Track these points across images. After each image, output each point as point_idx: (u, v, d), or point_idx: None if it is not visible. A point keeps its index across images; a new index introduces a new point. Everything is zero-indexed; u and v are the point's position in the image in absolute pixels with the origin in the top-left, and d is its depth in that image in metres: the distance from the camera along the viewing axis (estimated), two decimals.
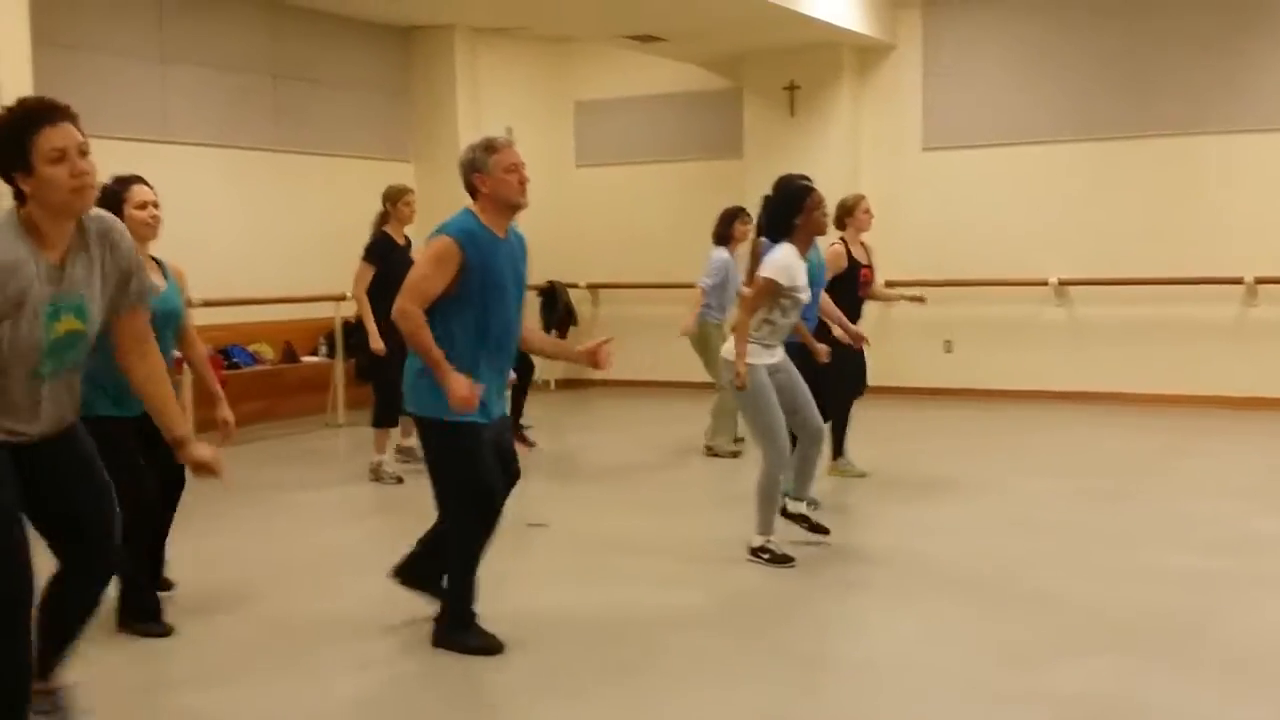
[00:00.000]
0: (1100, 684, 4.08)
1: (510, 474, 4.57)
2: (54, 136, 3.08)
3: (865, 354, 7.59)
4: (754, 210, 6.12)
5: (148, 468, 4.62)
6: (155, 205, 4.80)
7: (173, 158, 9.81)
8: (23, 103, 3.19)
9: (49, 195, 3.08)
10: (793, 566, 5.52)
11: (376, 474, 7.76)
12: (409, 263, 7.66)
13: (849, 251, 7.39)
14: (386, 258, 7.61)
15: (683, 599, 5.13)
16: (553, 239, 11.62)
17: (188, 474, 4.56)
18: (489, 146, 4.40)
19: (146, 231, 4.72)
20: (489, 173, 4.37)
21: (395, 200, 7.85)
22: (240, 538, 6.33)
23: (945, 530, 6.34)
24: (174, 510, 4.95)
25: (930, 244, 11.33)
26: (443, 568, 4.55)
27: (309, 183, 11.12)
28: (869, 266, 7.51)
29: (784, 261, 5.51)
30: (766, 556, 5.56)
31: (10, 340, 3.08)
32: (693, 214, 12.45)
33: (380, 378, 7.65)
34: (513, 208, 4.43)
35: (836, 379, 7.19)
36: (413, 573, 4.70)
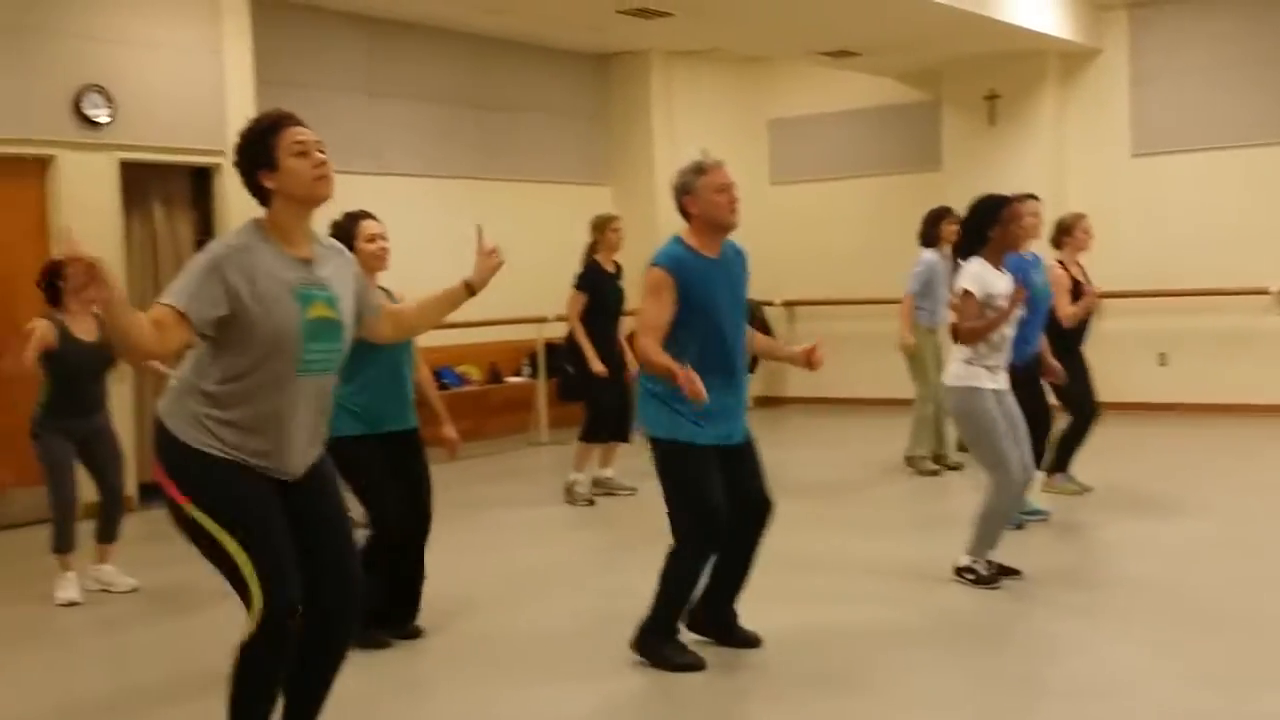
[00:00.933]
0: None
1: (760, 503, 4.52)
2: (296, 133, 3.32)
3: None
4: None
5: (396, 490, 4.79)
6: (384, 238, 5.04)
7: (383, 189, 10.24)
8: (264, 113, 3.44)
9: (293, 187, 3.28)
10: (998, 587, 5.39)
11: (570, 494, 7.90)
12: (618, 289, 7.89)
13: (1069, 273, 7.16)
14: (596, 285, 7.79)
15: (892, 618, 5.08)
16: (748, 257, 11.64)
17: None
18: (698, 169, 4.46)
19: (376, 264, 4.94)
20: (698, 195, 4.43)
21: (603, 228, 8.00)
22: (449, 554, 6.52)
23: (1160, 550, 6.10)
24: (423, 540, 5.00)
25: (1142, 253, 10.89)
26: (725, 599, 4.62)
27: (511, 208, 11.44)
28: (1088, 288, 7.26)
29: (975, 270, 5.38)
30: (971, 577, 5.44)
31: (266, 330, 3.19)
32: (890, 228, 12.32)
33: (591, 396, 7.83)
34: (723, 228, 4.47)
35: (1071, 398, 7.12)
36: (707, 622, 4.68)
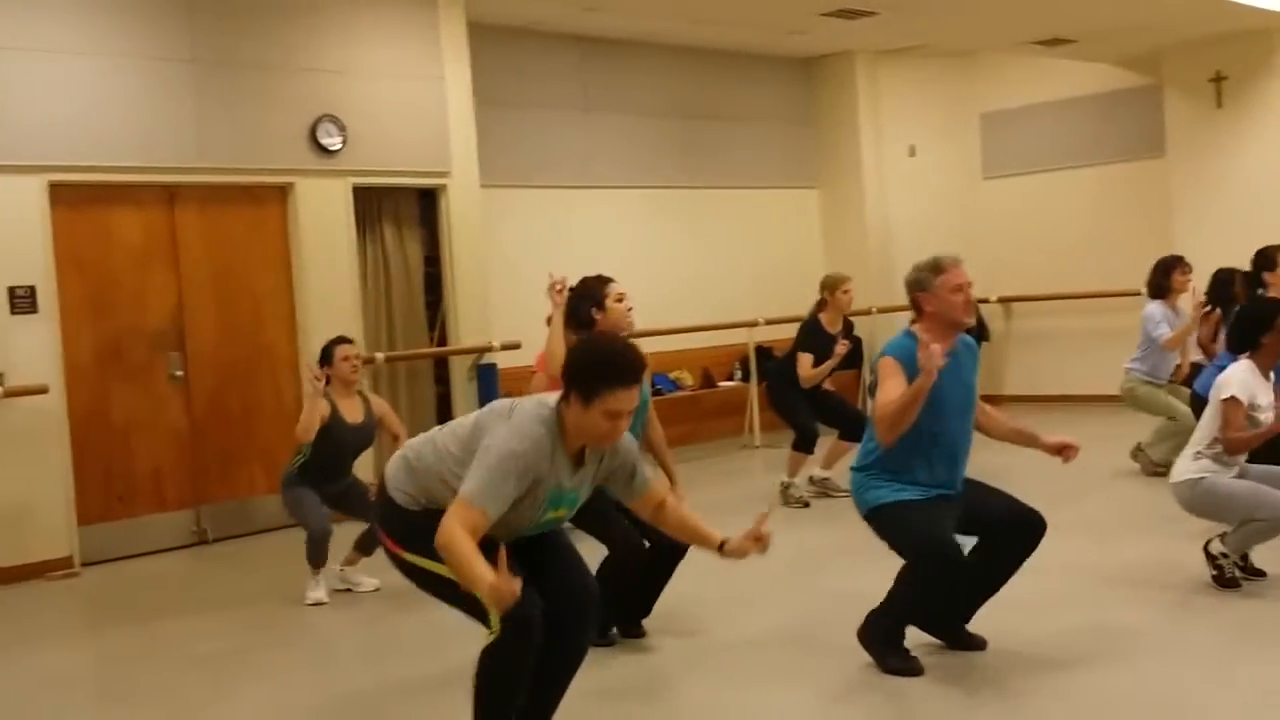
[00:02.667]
0: None
1: (1023, 518, 4.54)
2: (622, 399, 3.41)
3: None
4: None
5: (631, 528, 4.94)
6: (628, 297, 5.32)
7: (596, 201, 10.54)
8: (613, 355, 3.49)
9: (585, 428, 3.43)
10: (1238, 588, 5.19)
11: (785, 496, 7.97)
12: (832, 346, 7.87)
13: None
14: (820, 349, 7.83)
15: (1117, 624, 4.96)
16: (962, 253, 11.42)
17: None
18: (936, 267, 4.48)
19: (625, 322, 5.28)
20: (934, 292, 4.45)
21: (834, 289, 8.03)
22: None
23: None
24: (669, 569, 5.17)
25: None
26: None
27: (719, 215, 11.57)
28: None
29: (1241, 377, 5.19)
30: (1214, 572, 5.24)
31: (506, 516, 3.42)
32: (1112, 218, 11.93)
33: (793, 419, 7.93)
34: (957, 326, 4.48)
35: None
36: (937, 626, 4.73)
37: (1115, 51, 11.51)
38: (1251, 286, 7.67)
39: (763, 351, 10.94)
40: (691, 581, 5.89)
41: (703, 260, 11.24)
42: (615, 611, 5.04)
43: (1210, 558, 5.29)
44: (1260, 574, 5.35)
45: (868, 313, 11.56)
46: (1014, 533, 4.51)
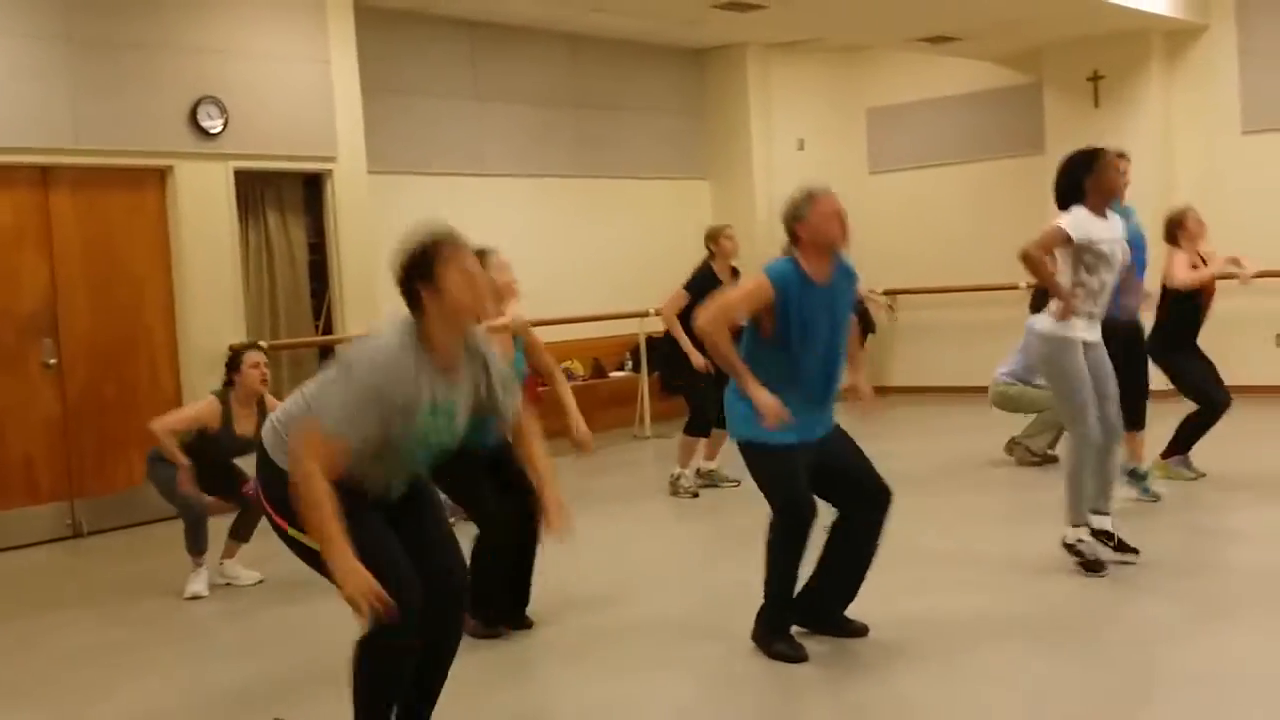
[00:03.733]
0: None
1: (871, 490, 4.62)
2: (464, 258, 3.40)
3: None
4: None
5: (505, 498, 4.96)
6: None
7: (487, 189, 10.46)
8: (435, 233, 3.45)
9: (448, 307, 3.37)
10: (1103, 575, 5.33)
11: (675, 487, 7.98)
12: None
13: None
14: (705, 291, 7.83)
15: (1003, 610, 5.07)
16: (848, 247, 11.63)
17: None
18: (809, 197, 4.55)
19: (509, 292, 5.29)
20: (808, 220, 4.51)
21: (716, 237, 8.06)
22: (558, 547, 6.66)
23: (1275, 536, 5.98)
24: (534, 544, 5.13)
25: (1255, 231, 10.58)
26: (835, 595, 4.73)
27: (611, 205, 11.58)
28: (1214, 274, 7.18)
29: (1076, 216, 5.27)
30: (1078, 560, 5.39)
31: (390, 437, 3.36)
32: (993, 214, 12.20)
33: (691, 391, 7.90)
34: (831, 246, 4.54)
35: (1192, 389, 7.10)
36: (814, 616, 4.77)
37: (997, 50, 11.77)
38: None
39: (653, 342, 10.97)
40: (579, 571, 5.90)
41: (594, 250, 11.23)
42: (498, 602, 5.01)
43: (1068, 548, 5.42)
44: (1133, 550, 5.52)
45: None
46: (863, 506, 4.61)
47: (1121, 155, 6.41)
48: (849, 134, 13.05)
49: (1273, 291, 10.60)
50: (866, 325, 12.55)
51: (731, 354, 4.49)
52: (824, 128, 12.81)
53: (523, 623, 5.13)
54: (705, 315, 4.55)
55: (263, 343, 6.70)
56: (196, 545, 6.06)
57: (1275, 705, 3.85)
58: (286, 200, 9.04)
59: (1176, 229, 7.17)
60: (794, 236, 4.56)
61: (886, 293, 12.79)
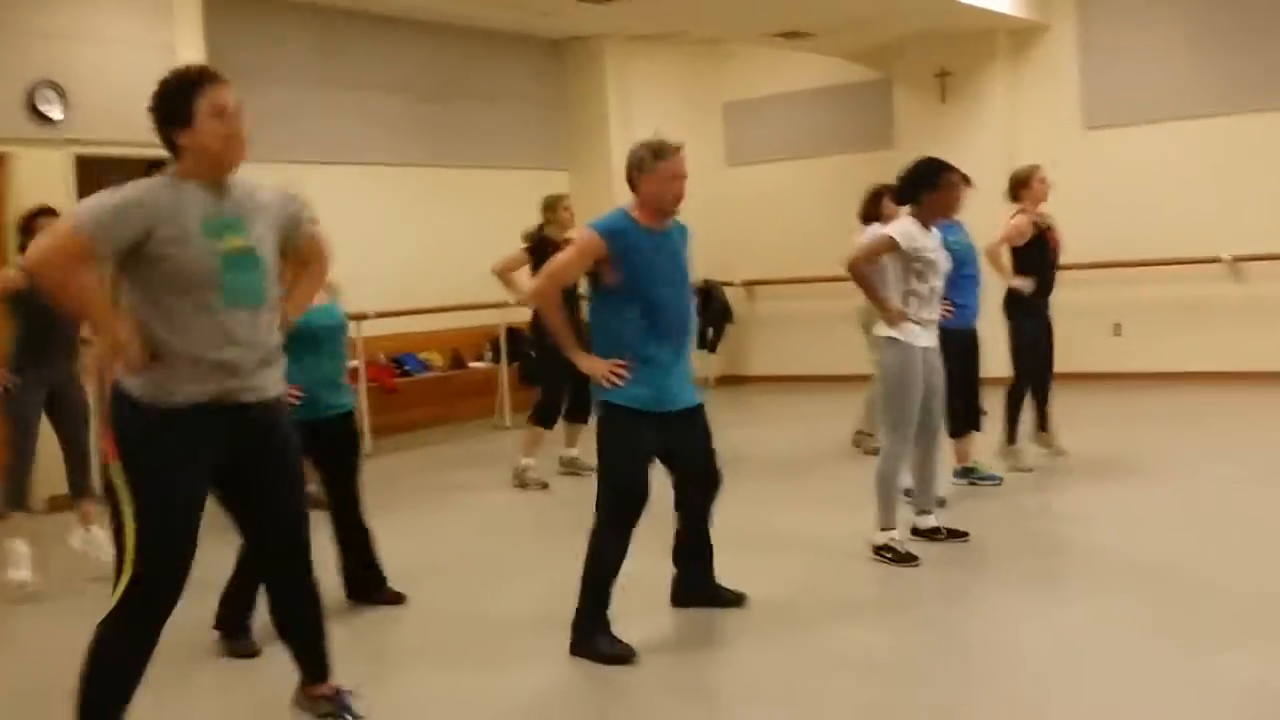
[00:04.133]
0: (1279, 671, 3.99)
1: (706, 475, 4.73)
2: (220, 93, 3.31)
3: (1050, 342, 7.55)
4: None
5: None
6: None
7: (341, 179, 10.26)
8: (189, 66, 3.44)
9: (206, 147, 3.27)
10: (916, 565, 5.42)
11: (520, 478, 7.89)
12: None
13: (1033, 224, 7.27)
14: (541, 253, 7.84)
15: (850, 594, 5.17)
16: (706, 238, 11.64)
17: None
18: (658, 151, 4.52)
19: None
20: (651, 176, 4.50)
21: (554, 207, 8.07)
22: (410, 538, 6.59)
23: (1117, 518, 6.23)
24: (356, 512, 5.19)
25: (1096, 225, 11.02)
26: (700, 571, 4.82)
27: (470, 195, 11.47)
28: (1053, 233, 7.39)
29: (903, 226, 5.47)
30: (890, 555, 5.45)
31: (179, 267, 3.19)
32: (846, 207, 12.37)
33: (544, 377, 7.89)
34: (665, 216, 4.57)
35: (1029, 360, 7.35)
36: (687, 593, 4.88)
37: (849, 46, 12.00)
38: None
39: (514, 333, 10.92)
40: (423, 566, 5.84)
41: (453, 241, 11.11)
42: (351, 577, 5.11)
43: (877, 551, 5.48)
44: (963, 534, 5.70)
45: None
46: (694, 488, 4.74)
47: (967, 181, 6.58)
48: (707, 127, 13.17)
49: (1112, 283, 11.06)
50: (726, 315, 12.72)
51: (560, 321, 4.52)
52: (682, 120, 12.85)
53: (392, 598, 5.19)
54: (536, 285, 4.59)
55: None
56: (17, 500, 5.75)
57: (1110, 678, 4.01)
58: None
59: (1020, 188, 7.33)
60: (633, 185, 4.55)
61: (744, 283, 12.99)
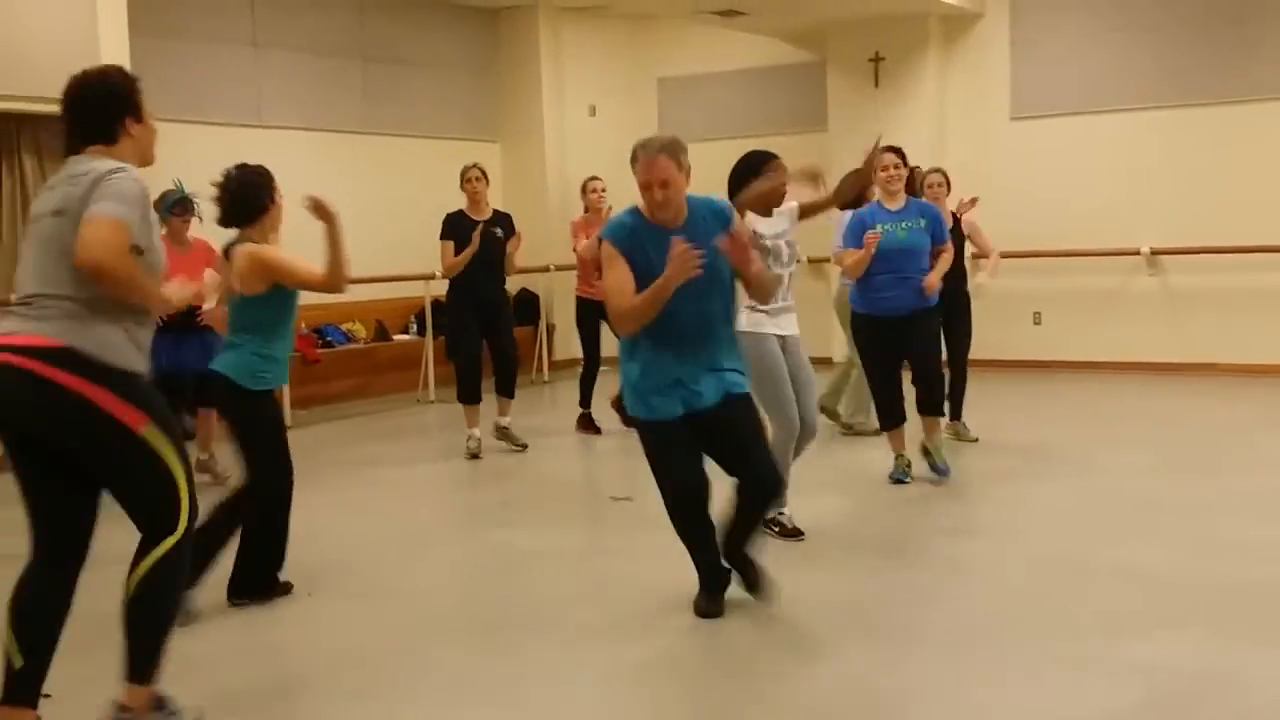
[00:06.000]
0: (1187, 655, 4.05)
1: (747, 479, 4.42)
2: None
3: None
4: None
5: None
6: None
7: (266, 142, 10.04)
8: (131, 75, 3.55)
9: (147, 145, 3.52)
10: (801, 539, 5.46)
11: (468, 449, 7.87)
12: (494, 238, 7.82)
13: None
14: (459, 234, 7.79)
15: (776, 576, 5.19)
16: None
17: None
18: (633, 155, 4.35)
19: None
20: (635, 174, 4.34)
21: (461, 179, 8.03)
22: (335, 512, 6.52)
23: (1031, 504, 6.31)
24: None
25: (1019, 214, 11.16)
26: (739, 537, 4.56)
27: (398, 164, 11.31)
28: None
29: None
30: (776, 529, 5.48)
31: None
32: None
33: (457, 355, 7.87)
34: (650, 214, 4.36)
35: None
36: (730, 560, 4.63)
37: (784, 27, 11.99)
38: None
39: (440, 306, 10.80)
40: (344, 541, 5.77)
41: (379, 210, 10.94)
42: (258, 570, 4.83)
43: (766, 524, 5.33)
44: (799, 533, 5.57)
45: (545, 270, 11.63)
46: (743, 490, 4.46)
47: (891, 149, 6.56)
48: (640, 102, 13.10)
49: (1032, 272, 11.20)
50: None
51: (646, 315, 4.21)
52: (616, 95, 12.82)
53: (285, 588, 4.94)
54: (611, 313, 4.33)
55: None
56: None
57: (1021, 660, 4.06)
58: (45, 145, 8.48)
59: (910, 188, 7.40)
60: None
61: None
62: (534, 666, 4.16)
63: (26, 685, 3.28)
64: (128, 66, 8.72)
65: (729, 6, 11.02)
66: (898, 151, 6.59)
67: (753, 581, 4.60)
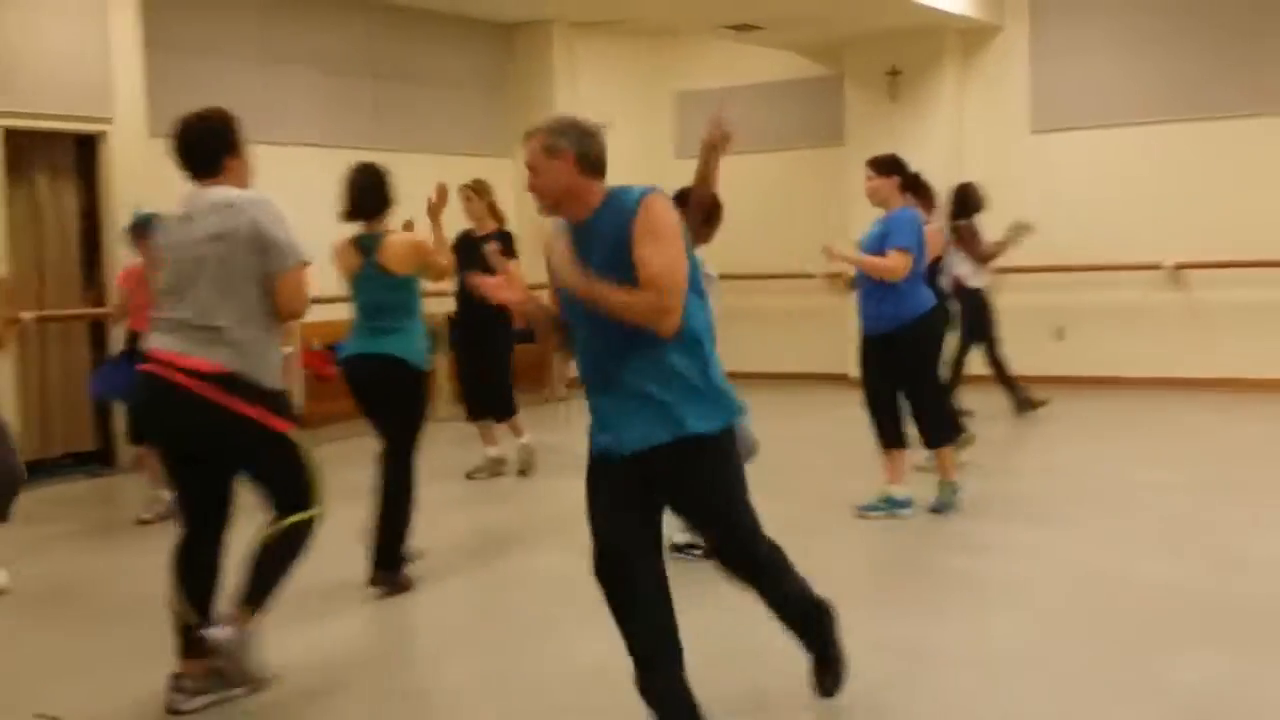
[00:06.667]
0: (1215, 675, 3.97)
1: (721, 553, 3.56)
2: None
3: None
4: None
5: None
6: None
7: (277, 159, 9.98)
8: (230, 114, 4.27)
9: (244, 177, 4.14)
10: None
11: (492, 469, 7.90)
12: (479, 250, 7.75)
13: None
14: (459, 251, 7.73)
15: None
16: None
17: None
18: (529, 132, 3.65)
19: None
20: None
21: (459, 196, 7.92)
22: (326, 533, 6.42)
23: (1056, 521, 6.19)
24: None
25: (1040, 228, 10.96)
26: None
27: (410, 180, 11.17)
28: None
29: None
30: (698, 552, 5.05)
31: None
32: (793, 203, 12.36)
33: (458, 373, 7.89)
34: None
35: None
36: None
37: (801, 41, 11.92)
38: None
39: (451, 322, 10.71)
40: (332, 560, 5.69)
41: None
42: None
43: (675, 549, 5.19)
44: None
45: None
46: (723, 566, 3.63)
47: (871, 161, 6.48)
48: (657, 117, 13.04)
49: (1055, 287, 11.08)
50: None
51: (619, 300, 3.28)
52: (632, 110, 12.74)
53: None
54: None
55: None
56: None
57: (1047, 683, 3.94)
58: (59, 163, 8.44)
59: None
60: None
61: None
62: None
63: (200, 640, 3.82)
64: (140, 84, 8.81)
65: (745, 21, 10.96)
66: (872, 162, 6.47)
67: (818, 672, 3.72)
